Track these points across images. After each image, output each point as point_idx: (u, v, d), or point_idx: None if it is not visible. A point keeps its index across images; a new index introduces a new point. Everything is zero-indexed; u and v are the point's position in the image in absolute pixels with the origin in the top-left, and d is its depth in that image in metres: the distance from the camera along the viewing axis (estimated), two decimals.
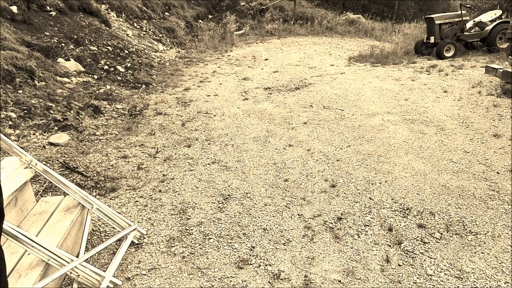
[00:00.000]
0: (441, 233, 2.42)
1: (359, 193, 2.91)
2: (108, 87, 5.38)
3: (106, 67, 6.06)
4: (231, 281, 2.04)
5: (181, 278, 2.06)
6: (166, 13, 10.75)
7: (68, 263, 1.77)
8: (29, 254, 1.77)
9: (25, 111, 3.91)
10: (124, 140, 3.92)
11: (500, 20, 7.86)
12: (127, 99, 5.20)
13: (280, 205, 2.77)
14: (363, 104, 5.01)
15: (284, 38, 11.70)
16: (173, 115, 4.71)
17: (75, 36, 6.22)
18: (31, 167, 2.09)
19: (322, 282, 2.03)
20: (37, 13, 6.11)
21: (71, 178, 3.01)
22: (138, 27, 9.02)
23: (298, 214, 2.65)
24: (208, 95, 5.55)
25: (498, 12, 8.22)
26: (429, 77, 6.27)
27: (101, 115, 4.53)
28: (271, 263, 2.17)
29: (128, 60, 6.71)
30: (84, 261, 1.86)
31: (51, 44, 5.51)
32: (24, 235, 1.70)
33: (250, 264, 2.17)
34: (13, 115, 3.78)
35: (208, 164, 3.43)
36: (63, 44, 5.78)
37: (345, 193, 2.92)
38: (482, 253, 2.25)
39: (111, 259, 2.17)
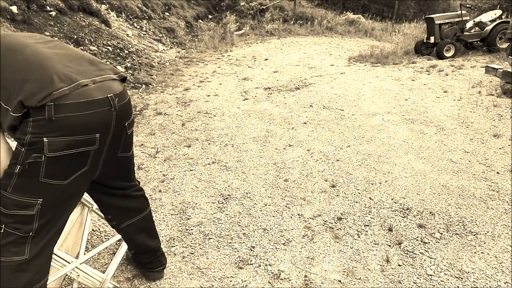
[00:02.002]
0: (441, 233, 2.43)
1: (359, 193, 2.91)
2: None
3: None
4: (231, 281, 2.04)
5: (181, 278, 2.06)
6: (166, 13, 10.75)
7: (69, 263, 1.77)
8: None
9: None
10: None
11: (500, 20, 7.86)
12: None
13: (280, 205, 2.77)
14: (363, 104, 5.02)
15: (284, 38, 11.70)
16: (173, 115, 4.71)
17: (75, 36, 6.22)
18: None
19: (322, 282, 2.03)
20: (37, 13, 6.11)
21: None
22: (138, 27, 9.02)
23: (298, 214, 2.65)
24: (208, 95, 5.55)
25: (498, 12, 8.22)
26: (429, 77, 6.27)
27: None
28: (271, 263, 2.17)
29: (128, 60, 6.71)
30: (84, 261, 1.86)
31: None
32: None
33: (250, 264, 2.17)
34: None
35: (208, 164, 3.43)
36: None
37: (345, 193, 2.92)
38: (482, 253, 2.25)
39: (111, 259, 2.17)
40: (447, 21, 8.00)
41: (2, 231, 1.28)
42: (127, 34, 8.01)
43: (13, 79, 1.23)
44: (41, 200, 1.30)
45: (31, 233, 1.31)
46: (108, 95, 1.36)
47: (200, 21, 11.82)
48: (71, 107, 1.24)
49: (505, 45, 7.52)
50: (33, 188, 1.29)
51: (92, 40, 6.50)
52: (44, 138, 1.22)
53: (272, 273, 2.10)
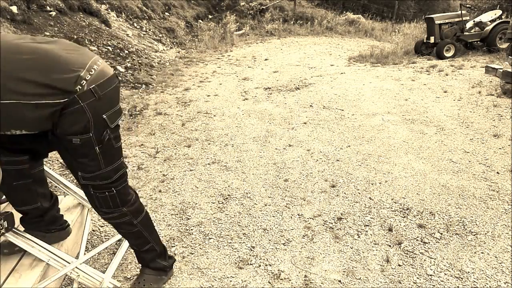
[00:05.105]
0: (441, 233, 2.42)
1: (359, 193, 2.91)
2: None
3: None
4: (231, 281, 2.04)
5: (181, 278, 2.06)
6: (166, 13, 10.75)
7: (69, 263, 1.77)
8: (29, 254, 1.77)
9: None
10: (124, 140, 3.92)
11: (500, 20, 7.86)
12: (127, 99, 5.20)
13: (280, 205, 2.77)
14: (363, 104, 5.02)
15: (284, 38, 11.70)
16: (173, 115, 4.71)
17: (75, 36, 6.22)
18: None
19: (322, 282, 2.03)
20: (37, 13, 6.11)
21: (71, 178, 3.01)
22: (138, 27, 9.02)
23: (298, 214, 2.65)
24: (208, 95, 5.55)
25: (498, 12, 8.23)
26: (429, 77, 6.27)
27: None
28: (271, 263, 2.17)
29: (128, 60, 6.71)
30: (84, 261, 1.86)
31: None
32: (24, 235, 1.70)
33: (250, 264, 2.17)
34: None
35: (208, 164, 3.43)
36: None
37: (345, 193, 2.92)
38: (482, 253, 2.25)
39: (111, 259, 2.17)
40: (447, 21, 8.00)
41: (115, 191, 1.63)
42: (127, 34, 8.01)
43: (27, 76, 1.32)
44: (122, 157, 1.65)
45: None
46: (113, 72, 1.57)
47: (200, 21, 11.82)
48: (104, 85, 1.46)
49: (505, 45, 7.52)
50: (115, 154, 1.60)
51: (92, 40, 6.50)
52: (103, 115, 1.45)
53: (272, 273, 2.10)
